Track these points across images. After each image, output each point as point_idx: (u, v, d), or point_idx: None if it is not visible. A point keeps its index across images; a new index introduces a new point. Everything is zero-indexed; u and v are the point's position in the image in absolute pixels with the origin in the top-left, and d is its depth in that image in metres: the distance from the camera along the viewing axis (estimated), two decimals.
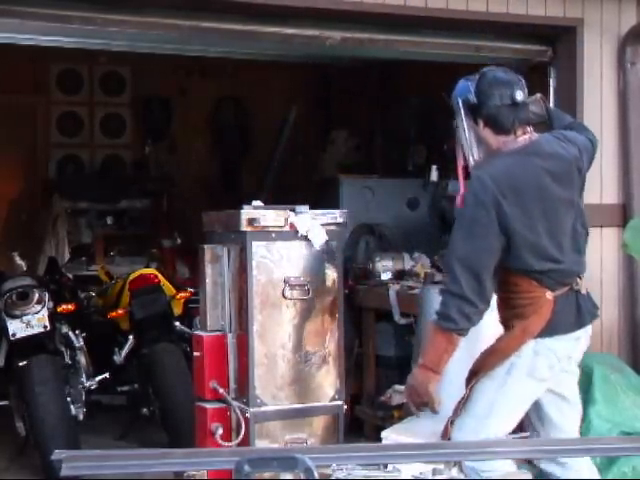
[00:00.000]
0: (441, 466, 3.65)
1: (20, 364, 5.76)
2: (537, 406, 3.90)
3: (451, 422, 3.84)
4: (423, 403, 3.78)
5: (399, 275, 6.78)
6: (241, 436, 4.29)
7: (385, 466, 3.63)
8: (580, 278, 3.84)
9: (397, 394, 4.07)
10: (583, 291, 3.83)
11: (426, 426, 4.46)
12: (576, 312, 3.79)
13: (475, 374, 3.85)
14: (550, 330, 3.74)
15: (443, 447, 2.30)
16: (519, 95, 3.80)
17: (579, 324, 3.82)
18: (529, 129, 3.85)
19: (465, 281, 3.63)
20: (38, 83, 10.14)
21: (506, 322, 3.86)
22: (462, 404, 3.84)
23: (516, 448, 2.48)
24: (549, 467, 3.93)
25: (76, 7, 5.44)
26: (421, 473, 3.66)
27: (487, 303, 3.71)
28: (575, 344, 3.83)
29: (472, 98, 3.81)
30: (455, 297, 3.66)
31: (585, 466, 3.96)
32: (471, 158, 3.92)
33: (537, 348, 3.75)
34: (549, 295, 3.73)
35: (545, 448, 2.45)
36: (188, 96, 10.38)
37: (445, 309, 3.70)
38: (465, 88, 3.86)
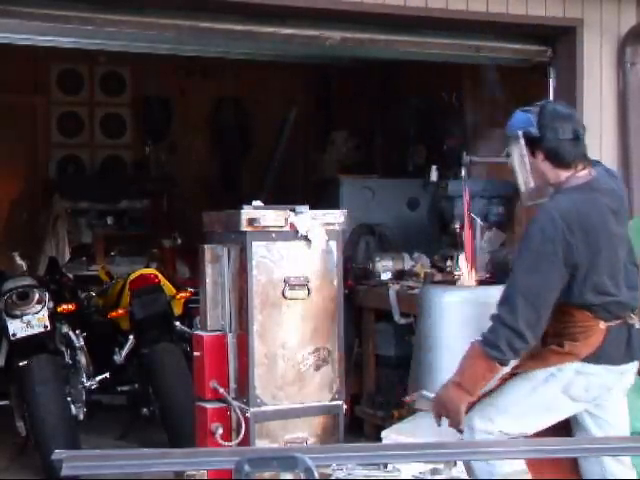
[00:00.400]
0: (441, 466, 3.65)
1: (20, 364, 5.77)
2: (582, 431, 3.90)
3: (472, 405, 3.82)
4: (447, 417, 3.78)
5: (399, 275, 6.78)
6: (241, 436, 4.29)
7: (385, 466, 3.63)
8: (633, 312, 3.84)
9: (424, 400, 4.03)
10: (637, 325, 3.82)
11: (426, 426, 4.46)
12: (626, 345, 3.79)
13: (511, 371, 3.84)
14: (597, 357, 3.75)
15: (443, 447, 2.30)
16: (581, 129, 3.82)
17: (628, 358, 3.82)
18: (588, 164, 3.86)
19: (522, 315, 3.62)
20: (38, 83, 10.15)
21: (552, 341, 3.85)
22: (488, 393, 3.83)
23: (516, 448, 2.48)
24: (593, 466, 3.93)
25: (74, 7, 5.45)
26: (421, 473, 3.67)
27: (537, 339, 3.70)
28: (618, 377, 3.83)
29: (534, 131, 3.80)
30: (508, 329, 3.63)
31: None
32: (523, 188, 3.95)
33: (580, 369, 3.76)
34: (602, 325, 3.74)
35: (545, 448, 2.45)
36: (188, 96, 10.38)
37: (495, 338, 3.66)
38: (526, 120, 3.84)
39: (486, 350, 3.67)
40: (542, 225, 3.71)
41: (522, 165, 3.90)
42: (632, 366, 3.87)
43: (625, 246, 3.87)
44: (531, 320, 3.64)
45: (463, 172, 5.15)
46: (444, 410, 3.79)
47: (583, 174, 3.82)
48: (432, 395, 3.90)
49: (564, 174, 3.82)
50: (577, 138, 3.81)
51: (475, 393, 3.73)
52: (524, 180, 3.93)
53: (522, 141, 3.83)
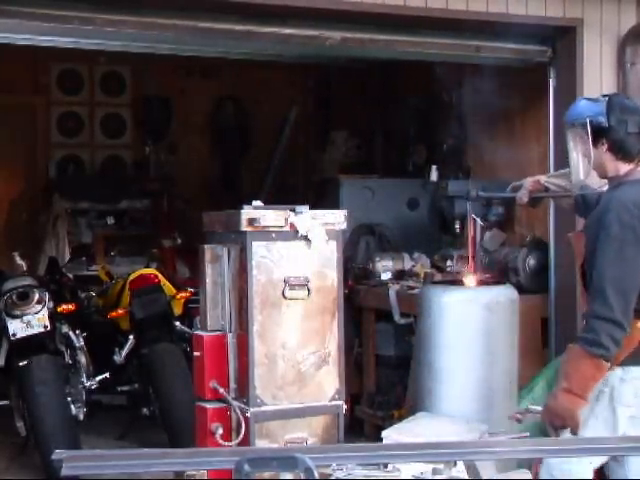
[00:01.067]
0: (441, 466, 3.65)
1: (20, 364, 5.77)
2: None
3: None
4: (564, 426, 3.72)
5: (399, 275, 6.78)
6: (241, 436, 4.29)
7: (385, 466, 3.63)
8: None
9: (532, 414, 3.99)
10: None
11: (426, 426, 4.47)
12: None
13: (574, 418, 3.76)
14: (636, 358, 3.73)
15: (443, 447, 2.30)
16: None
17: None
18: None
19: (616, 304, 3.60)
20: (38, 83, 10.15)
21: None
22: None
23: (516, 448, 2.48)
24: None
25: (74, 7, 5.44)
26: (421, 473, 3.67)
27: (630, 322, 3.67)
28: None
29: (603, 120, 3.78)
30: (606, 322, 3.60)
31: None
32: (576, 177, 3.93)
33: (623, 376, 3.74)
34: (639, 324, 3.72)
35: (545, 448, 2.45)
36: (188, 96, 10.38)
37: (595, 335, 3.61)
38: (595, 109, 3.81)
39: (589, 350, 3.62)
40: (618, 213, 3.68)
41: (581, 153, 3.86)
42: None
43: None
44: (624, 308, 3.62)
45: (468, 207, 5.17)
46: (559, 420, 3.70)
47: None
48: (540, 408, 3.84)
49: (624, 168, 3.81)
50: None
51: (586, 396, 3.66)
52: (580, 168, 3.89)
53: (589, 129, 3.80)
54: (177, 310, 6.66)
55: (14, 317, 5.89)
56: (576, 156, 3.91)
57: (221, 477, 4.04)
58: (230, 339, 4.44)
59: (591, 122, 3.79)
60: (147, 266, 7.05)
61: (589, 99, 3.93)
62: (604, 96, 3.90)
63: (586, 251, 3.83)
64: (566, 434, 3.71)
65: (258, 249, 4.32)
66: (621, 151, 3.80)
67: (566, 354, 3.78)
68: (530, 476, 4.22)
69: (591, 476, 3.86)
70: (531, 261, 6.38)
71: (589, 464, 3.80)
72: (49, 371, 5.77)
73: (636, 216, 3.65)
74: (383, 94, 9.34)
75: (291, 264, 4.37)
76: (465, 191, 5.39)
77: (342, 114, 9.88)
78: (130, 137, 10.59)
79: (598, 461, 3.86)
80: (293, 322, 4.39)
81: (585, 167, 3.88)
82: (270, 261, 4.34)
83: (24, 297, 5.98)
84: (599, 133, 3.80)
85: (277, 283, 4.35)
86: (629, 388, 3.75)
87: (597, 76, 6.23)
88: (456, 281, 5.19)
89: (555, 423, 3.72)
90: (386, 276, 6.79)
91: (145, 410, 6.43)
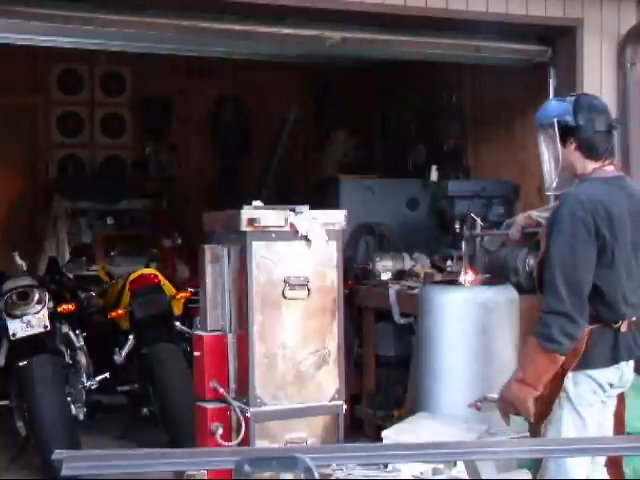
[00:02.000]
0: (441, 466, 3.65)
1: (20, 364, 5.76)
2: None
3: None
4: (517, 414, 3.79)
5: (399, 275, 6.78)
6: (241, 436, 4.29)
7: (385, 466, 3.63)
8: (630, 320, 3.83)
9: (488, 403, 4.03)
10: (623, 329, 3.79)
11: (426, 426, 4.46)
12: (612, 348, 3.78)
13: (539, 423, 3.86)
14: (585, 364, 3.74)
15: (443, 447, 2.30)
16: (614, 124, 3.84)
17: (614, 360, 3.80)
18: (614, 160, 3.88)
19: (568, 298, 3.62)
20: (38, 83, 10.15)
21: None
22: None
23: (516, 448, 2.48)
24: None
25: (74, 7, 5.45)
26: (421, 473, 3.67)
27: (586, 318, 3.69)
28: (616, 373, 3.83)
29: (570, 119, 3.80)
30: (558, 315, 3.63)
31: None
32: (548, 176, 3.94)
33: (576, 379, 3.77)
34: (585, 329, 3.71)
35: (545, 448, 2.45)
36: (188, 96, 10.38)
37: (548, 330, 3.64)
38: (562, 108, 3.84)
39: (543, 344, 3.65)
40: (571, 208, 3.69)
41: (551, 153, 3.89)
42: (624, 365, 3.85)
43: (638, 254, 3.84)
44: (575, 302, 3.63)
45: (464, 247, 5.20)
46: (512, 408, 3.77)
47: (609, 168, 3.84)
48: (496, 396, 3.88)
49: (591, 166, 3.82)
50: (610, 132, 3.83)
51: (539, 387, 3.71)
52: (550, 168, 3.92)
53: (556, 128, 3.83)
54: (177, 310, 6.66)
55: (14, 317, 5.89)
56: (547, 156, 3.93)
57: (221, 477, 4.03)
58: (230, 339, 4.44)
59: (559, 122, 3.82)
60: (147, 266, 7.04)
61: (558, 99, 3.97)
62: (572, 96, 3.92)
63: (544, 247, 3.84)
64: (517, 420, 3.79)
65: (258, 249, 4.32)
66: (589, 149, 3.81)
67: (524, 344, 3.81)
68: (530, 476, 4.22)
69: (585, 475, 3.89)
70: (531, 261, 6.37)
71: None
72: (49, 371, 5.77)
73: (589, 211, 3.65)
74: (383, 94, 9.34)
75: (291, 264, 4.37)
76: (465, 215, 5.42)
77: (342, 114, 9.88)
78: (130, 137, 10.59)
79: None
80: (293, 322, 4.39)
81: (555, 167, 3.89)
82: (270, 261, 4.34)
83: (24, 297, 5.98)
84: (567, 132, 3.82)
85: (277, 283, 4.35)
86: (585, 387, 3.78)
87: (597, 76, 6.23)
88: (456, 281, 5.19)
89: (508, 411, 3.79)
90: (386, 276, 6.78)
91: (145, 410, 6.43)
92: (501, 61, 6.69)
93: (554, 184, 3.94)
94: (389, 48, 6.24)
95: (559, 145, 3.84)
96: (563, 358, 3.68)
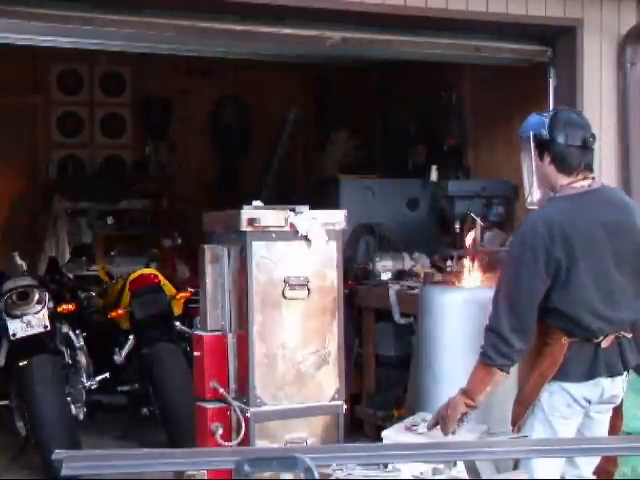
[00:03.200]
0: (441, 466, 3.65)
1: (20, 364, 5.77)
2: None
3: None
4: (442, 420, 3.91)
5: (399, 275, 6.78)
6: (241, 436, 4.29)
7: (385, 466, 3.63)
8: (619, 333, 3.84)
9: (423, 423, 4.16)
10: (604, 344, 3.80)
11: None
12: (590, 363, 3.80)
13: (514, 425, 3.93)
14: (561, 375, 3.78)
15: (443, 447, 2.30)
16: (590, 139, 3.86)
17: (590, 375, 3.81)
18: (591, 176, 3.90)
19: (505, 319, 3.73)
20: (38, 83, 10.15)
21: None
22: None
23: (516, 448, 2.48)
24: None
25: (74, 7, 5.45)
26: (421, 473, 3.66)
27: (527, 343, 3.77)
28: (594, 389, 3.83)
29: (544, 133, 3.85)
30: (493, 334, 3.76)
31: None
32: (527, 190, 4.01)
33: (551, 389, 3.81)
34: (564, 340, 3.77)
35: (545, 448, 2.45)
36: (188, 96, 10.38)
37: (484, 344, 3.80)
38: (538, 122, 3.89)
39: (480, 357, 3.81)
40: (523, 233, 3.81)
41: (528, 167, 3.96)
42: (606, 380, 3.84)
43: (632, 262, 3.84)
44: (515, 325, 3.72)
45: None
46: (444, 412, 3.90)
47: (580, 184, 3.85)
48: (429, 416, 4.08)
49: (565, 180, 3.85)
50: (585, 147, 3.85)
51: (476, 399, 3.82)
52: (528, 182, 3.99)
53: (531, 142, 3.88)
54: (177, 310, 6.66)
55: (14, 317, 5.89)
56: (525, 170, 4.01)
57: (221, 477, 4.03)
58: (230, 339, 4.44)
59: (534, 135, 3.88)
60: (147, 266, 7.05)
61: (539, 113, 4.01)
62: (552, 110, 4.05)
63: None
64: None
65: (258, 249, 4.32)
66: (561, 163, 3.85)
67: None
68: (530, 476, 4.22)
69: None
70: None
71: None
72: (49, 371, 5.77)
73: (540, 236, 3.71)
74: (383, 94, 9.34)
75: (291, 264, 4.37)
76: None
77: (342, 114, 9.88)
78: (130, 137, 10.59)
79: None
80: (293, 322, 4.39)
81: (532, 181, 3.96)
82: (270, 261, 4.34)
83: (24, 297, 5.98)
84: (542, 146, 3.87)
85: (277, 283, 4.35)
86: (560, 399, 3.81)
87: (597, 76, 6.23)
88: (456, 281, 5.19)
89: (439, 415, 3.93)
90: (386, 276, 6.78)
91: (145, 410, 6.43)
92: (501, 61, 6.69)
93: (532, 198, 3.99)
94: (389, 48, 6.24)
95: (536, 158, 3.89)
96: (503, 373, 3.78)
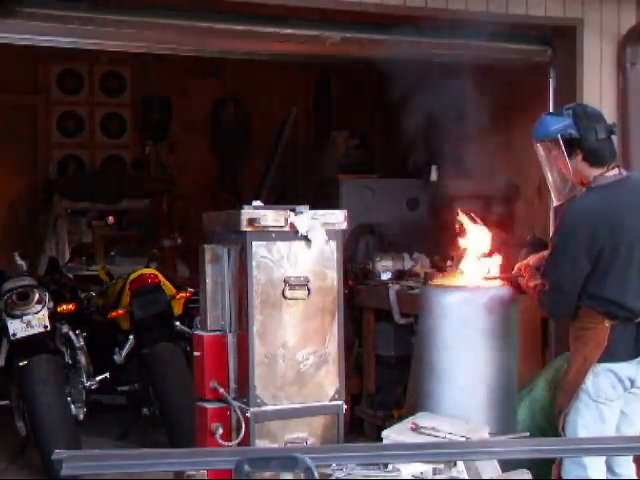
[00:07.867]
0: (441, 466, 3.65)
1: (20, 364, 5.77)
2: None
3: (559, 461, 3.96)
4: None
5: (399, 275, 6.78)
6: (241, 436, 4.29)
7: (385, 466, 3.63)
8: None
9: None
10: None
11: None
12: (634, 342, 3.91)
13: (560, 414, 4.01)
14: (607, 357, 3.88)
15: (443, 447, 2.30)
16: (612, 128, 3.98)
17: (636, 353, 3.91)
18: (616, 164, 4.01)
19: (550, 305, 4.11)
20: (38, 83, 10.14)
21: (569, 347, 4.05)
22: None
23: (516, 448, 2.48)
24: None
25: (74, 7, 5.45)
26: (421, 473, 3.67)
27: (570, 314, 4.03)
28: (638, 367, 3.93)
29: (574, 133, 3.92)
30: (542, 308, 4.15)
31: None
32: (554, 190, 4.14)
33: (596, 371, 3.89)
34: (607, 323, 3.87)
35: (544, 448, 2.45)
36: (188, 96, 10.38)
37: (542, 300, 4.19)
38: (562, 123, 3.96)
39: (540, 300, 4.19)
40: (569, 219, 3.95)
41: (557, 166, 4.03)
42: None
43: None
44: (557, 310, 4.13)
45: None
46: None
47: (612, 173, 3.96)
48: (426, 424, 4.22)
49: (596, 172, 3.94)
50: (609, 138, 3.96)
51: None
52: (558, 181, 4.08)
53: (561, 143, 3.93)
54: (177, 310, 6.66)
55: (14, 317, 5.89)
56: (552, 169, 4.09)
57: (221, 477, 4.04)
58: (230, 339, 4.44)
59: (562, 136, 3.94)
60: (147, 266, 7.04)
61: (552, 114, 4.11)
62: (566, 109, 4.03)
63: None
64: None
65: (258, 249, 4.32)
66: (595, 158, 3.94)
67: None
68: (530, 476, 4.23)
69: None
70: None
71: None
72: (49, 371, 5.77)
73: (584, 222, 3.89)
74: (383, 94, 9.32)
75: (291, 264, 4.37)
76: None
77: (342, 114, 9.88)
78: (130, 137, 10.58)
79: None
80: (293, 322, 4.39)
81: (562, 178, 4.07)
82: (270, 261, 4.34)
83: (24, 297, 5.98)
84: (572, 145, 3.94)
85: (277, 283, 4.35)
86: (605, 381, 3.89)
87: (597, 76, 6.23)
88: (456, 281, 5.18)
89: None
90: (386, 276, 6.78)
91: (145, 410, 6.43)
92: (501, 61, 6.68)
93: (562, 197, 4.06)
94: (389, 48, 6.23)
95: (566, 158, 3.95)
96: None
